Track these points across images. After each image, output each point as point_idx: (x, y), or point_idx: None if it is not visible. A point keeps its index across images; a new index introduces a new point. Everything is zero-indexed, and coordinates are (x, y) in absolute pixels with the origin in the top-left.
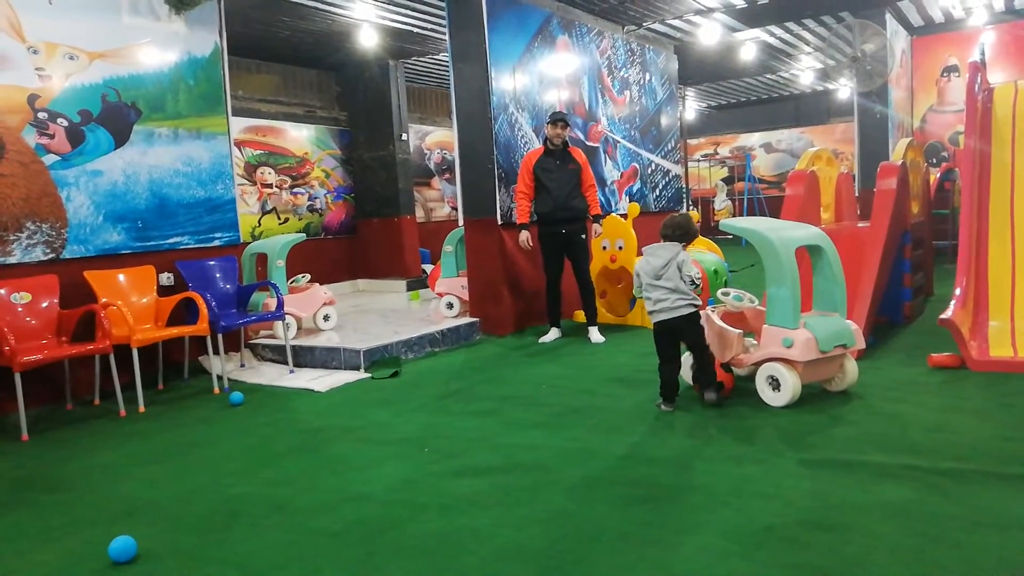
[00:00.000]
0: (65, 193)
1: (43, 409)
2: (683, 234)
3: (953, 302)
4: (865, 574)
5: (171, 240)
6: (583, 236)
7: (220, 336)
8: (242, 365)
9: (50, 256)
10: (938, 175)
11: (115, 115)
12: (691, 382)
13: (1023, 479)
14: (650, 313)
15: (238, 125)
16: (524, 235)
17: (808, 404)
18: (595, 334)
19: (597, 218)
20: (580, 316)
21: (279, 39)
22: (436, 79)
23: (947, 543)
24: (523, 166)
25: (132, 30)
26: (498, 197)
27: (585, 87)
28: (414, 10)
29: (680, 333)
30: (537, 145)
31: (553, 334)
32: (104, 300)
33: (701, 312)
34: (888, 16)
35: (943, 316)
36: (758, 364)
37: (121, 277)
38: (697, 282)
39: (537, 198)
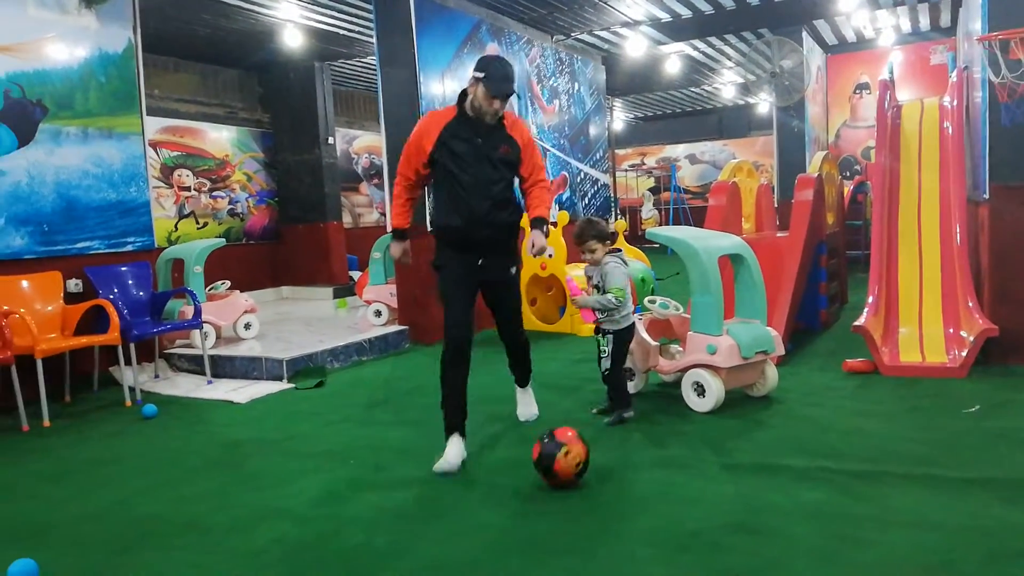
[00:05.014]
0: None
1: None
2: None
3: (866, 309)
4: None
5: (80, 245)
6: (513, 271)
7: (132, 345)
8: (156, 376)
9: None
10: (851, 188)
11: (19, 112)
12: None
13: (930, 479)
14: (620, 319)
15: (154, 125)
16: (401, 248)
17: (731, 409)
18: (529, 404)
19: (540, 222)
20: None
21: (199, 37)
22: (364, 82)
23: (862, 543)
24: (417, 137)
25: (39, 23)
26: (427, 203)
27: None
28: (341, 12)
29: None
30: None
31: (454, 452)
32: (5, 308)
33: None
34: (804, 34)
35: (857, 323)
36: (683, 370)
37: (24, 283)
38: None
39: (437, 197)
